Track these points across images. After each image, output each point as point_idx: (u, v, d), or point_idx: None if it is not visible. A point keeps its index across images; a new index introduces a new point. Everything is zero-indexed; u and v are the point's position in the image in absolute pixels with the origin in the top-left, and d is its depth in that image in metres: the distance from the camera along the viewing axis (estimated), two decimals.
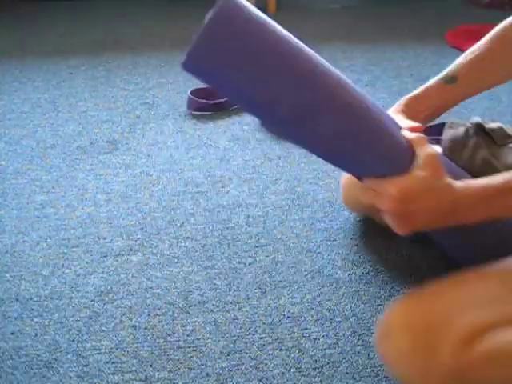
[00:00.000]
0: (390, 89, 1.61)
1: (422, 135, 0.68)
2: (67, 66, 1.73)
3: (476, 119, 0.90)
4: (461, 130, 0.89)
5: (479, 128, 0.88)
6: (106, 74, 1.69)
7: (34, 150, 1.28)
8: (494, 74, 0.84)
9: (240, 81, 0.63)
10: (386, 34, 2.06)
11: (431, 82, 0.84)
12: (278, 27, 0.64)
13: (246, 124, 1.38)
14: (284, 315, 0.85)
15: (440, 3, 2.42)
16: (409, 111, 0.80)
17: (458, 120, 0.92)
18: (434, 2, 2.44)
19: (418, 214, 0.65)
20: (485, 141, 0.86)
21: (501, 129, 0.87)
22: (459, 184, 0.66)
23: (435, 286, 0.66)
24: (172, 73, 1.70)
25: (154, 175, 1.19)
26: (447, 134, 0.90)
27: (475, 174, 0.78)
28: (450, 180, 0.65)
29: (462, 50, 2.11)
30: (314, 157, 1.33)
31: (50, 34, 1.99)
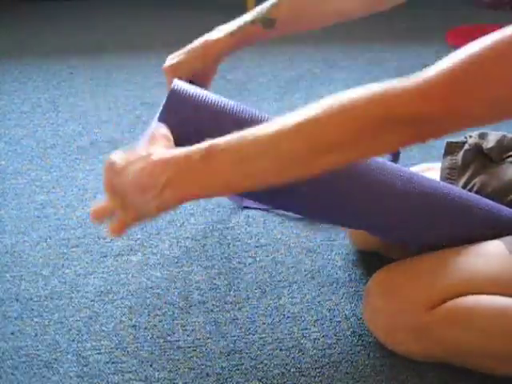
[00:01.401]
0: None
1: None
2: (67, 65, 1.73)
3: (474, 138, 0.88)
4: (459, 157, 0.88)
5: (478, 150, 0.87)
6: (106, 73, 1.69)
7: (33, 150, 1.28)
8: (315, 14, 0.83)
9: None
10: (386, 34, 2.06)
11: (247, 21, 0.81)
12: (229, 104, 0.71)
13: None
14: (284, 315, 0.85)
15: (440, 3, 2.42)
16: (205, 52, 0.80)
17: (455, 138, 0.91)
18: (434, 2, 2.44)
19: (124, 195, 0.59)
20: (483, 164, 0.85)
21: (500, 141, 0.86)
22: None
23: (410, 259, 0.76)
24: None
25: None
26: (445, 162, 0.89)
27: None
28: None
29: None
30: None
31: (49, 34, 1.99)
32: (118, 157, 0.60)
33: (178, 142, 0.67)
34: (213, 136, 0.60)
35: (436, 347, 0.71)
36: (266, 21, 0.80)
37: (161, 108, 0.70)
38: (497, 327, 0.67)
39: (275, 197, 0.73)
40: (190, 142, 0.61)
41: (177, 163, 0.57)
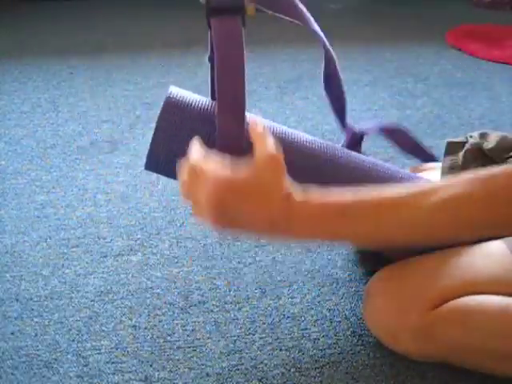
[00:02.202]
0: (390, 89, 1.61)
1: (264, 132, 0.61)
2: (67, 65, 1.73)
3: (475, 138, 0.88)
4: (459, 157, 0.88)
5: (479, 150, 0.87)
6: (106, 74, 1.69)
7: (33, 150, 1.28)
8: None
9: None
10: (386, 34, 2.06)
11: None
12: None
13: None
14: (284, 315, 0.85)
15: (440, 3, 2.43)
16: None
17: (456, 138, 0.91)
18: (434, 2, 2.44)
19: (238, 214, 0.59)
20: (484, 164, 0.85)
21: (501, 142, 0.86)
22: (300, 194, 0.59)
23: (411, 259, 0.76)
24: (172, 73, 1.70)
25: (154, 175, 1.19)
26: (446, 162, 0.89)
27: None
28: (289, 188, 0.59)
29: (462, 50, 2.11)
30: None
31: (49, 34, 1.99)
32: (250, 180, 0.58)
33: (179, 147, 0.68)
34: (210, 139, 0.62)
35: (436, 347, 0.71)
36: None
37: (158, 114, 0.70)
38: (498, 327, 0.67)
39: None
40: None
41: (313, 215, 0.59)
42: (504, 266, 0.69)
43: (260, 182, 0.58)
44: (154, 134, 0.69)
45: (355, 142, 0.89)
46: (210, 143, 0.65)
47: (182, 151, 0.68)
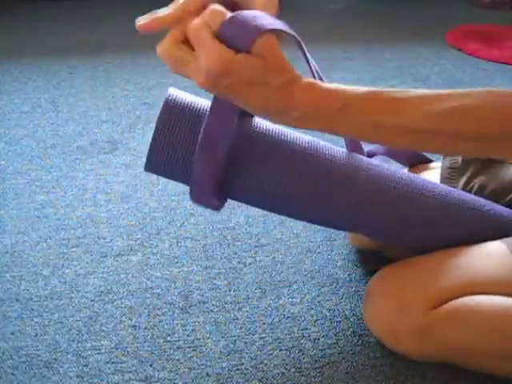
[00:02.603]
0: (389, 89, 1.60)
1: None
2: (67, 65, 1.73)
3: None
4: (459, 156, 0.88)
5: None
6: (106, 74, 1.69)
7: (33, 150, 1.28)
8: None
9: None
10: (386, 34, 2.06)
11: None
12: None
13: None
14: (284, 315, 0.85)
15: (440, 3, 2.42)
16: None
17: None
18: (434, 2, 2.44)
19: (237, 86, 0.56)
20: (483, 164, 0.85)
21: None
22: (304, 80, 0.58)
23: (411, 258, 0.76)
24: (172, 73, 1.70)
25: (154, 175, 1.19)
26: (445, 162, 0.89)
27: None
28: (293, 71, 0.58)
29: (462, 50, 2.11)
30: None
31: (49, 34, 1.99)
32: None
33: (181, 150, 0.68)
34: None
35: (436, 347, 0.71)
36: None
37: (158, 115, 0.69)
38: (498, 328, 0.67)
39: (271, 201, 0.73)
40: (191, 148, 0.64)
41: (312, 102, 0.57)
42: (504, 266, 0.69)
43: (263, 64, 0.55)
44: (154, 135, 0.68)
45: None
46: None
47: (182, 153, 0.68)
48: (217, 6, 0.54)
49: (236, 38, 0.54)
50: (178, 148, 0.68)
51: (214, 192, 0.68)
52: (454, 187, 0.84)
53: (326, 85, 0.58)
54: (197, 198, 0.69)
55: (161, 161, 0.70)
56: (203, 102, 0.71)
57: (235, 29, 0.54)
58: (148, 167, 0.71)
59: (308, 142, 0.73)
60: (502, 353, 0.69)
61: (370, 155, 0.90)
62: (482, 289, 0.69)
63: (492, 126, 0.58)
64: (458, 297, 0.69)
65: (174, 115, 0.69)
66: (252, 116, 0.72)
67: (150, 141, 0.69)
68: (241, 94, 0.56)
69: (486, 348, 0.69)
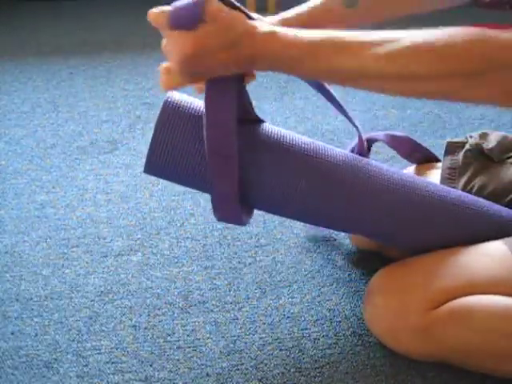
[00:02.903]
0: None
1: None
2: (67, 66, 1.73)
3: (475, 138, 0.88)
4: (459, 157, 0.88)
5: (478, 150, 0.87)
6: (106, 74, 1.69)
7: (33, 149, 1.28)
8: (392, 3, 0.82)
9: (197, 177, 0.70)
10: None
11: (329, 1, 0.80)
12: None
13: None
14: (284, 315, 0.85)
15: None
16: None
17: (456, 138, 0.91)
18: None
19: (204, 59, 0.62)
20: (483, 164, 0.85)
21: (501, 142, 0.86)
22: (266, 27, 0.61)
23: (411, 258, 0.76)
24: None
25: None
26: (446, 162, 0.89)
27: None
28: (252, 22, 0.62)
29: None
30: None
31: (49, 34, 1.99)
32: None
33: (179, 154, 0.68)
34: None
35: (437, 347, 0.71)
36: (349, 0, 0.78)
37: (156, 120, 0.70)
38: (498, 327, 0.67)
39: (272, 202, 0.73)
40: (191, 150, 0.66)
41: (274, 51, 0.61)
42: (504, 266, 0.69)
43: (218, 26, 0.61)
44: (153, 137, 0.68)
45: (366, 148, 0.89)
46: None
47: (181, 154, 0.68)
48: (155, 10, 0.64)
49: (186, 19, 0.60)
50: (177, 149, 0.68)
51: (234, 199, 0.68)
52: (454, 187, 0.84)
53: (283, 32, 0.61)
54: (219, 209, 0.70)
55: (160, 162, 0.69)
56: (202, 103, 0.71)
57: (181, 14, 0.61)
58: (147, 169, 0.71)
59: (308, 144, 0.73)
60: (502, 353, 0.69)
61: (372, 141, 0.90)
62: (481, 289, 0.69)
63: (450, 63, 0.57)
64: (457, 297, 0.69)
65: (173, 116, 0.69)
66: (258, 122, 0.72)
67: (150, 142, 0.69)
68: (213, 63, 0.62)
69: (485, 348, 0.69)
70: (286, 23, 0.73)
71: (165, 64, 0.70)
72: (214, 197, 0.68)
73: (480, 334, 0.68)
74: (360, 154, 0.83)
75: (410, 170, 0.95)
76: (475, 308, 0.68)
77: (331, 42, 0.60)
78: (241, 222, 0.72)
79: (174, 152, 0.68)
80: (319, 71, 0.62)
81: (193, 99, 0.71)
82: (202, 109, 0.70)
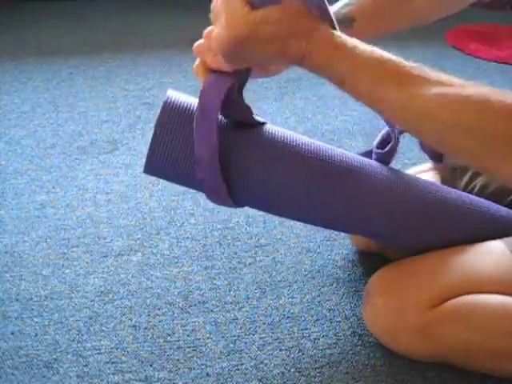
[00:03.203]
0: None
1: None
2: (67, 66, 1.73)
3: None
4: None
5: None
6: (106, 74, 1.69)
7: (33, 149, 1.28)
8: (390, 19, 0.80)
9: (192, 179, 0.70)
10: (386, 34, 2.06)
11: None
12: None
13: None
14: (284, 315, 0.85)
15: None
16: None
17: None
18: None
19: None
20: None
21: None
22: (328, 31, 0.60)
23: (410, 258, 0.77)
24: (172, 73, 1.70)
25: None
26: (447, 162, 0.89)
27: None
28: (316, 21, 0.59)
29: (462, 50, 2.10)
30: None
31: (49, 34, 1.99)
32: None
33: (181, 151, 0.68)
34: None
35: (436, 347, 0.71)
36: (345, 18, 0.77)
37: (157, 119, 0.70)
38: (497, 326, 0.67)
39: (272, 200, 0.73)
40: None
41: (322, 39, 0.59)
42: (503, 265, 0.69)
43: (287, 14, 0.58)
44: (153, 137, 0.68)
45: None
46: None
47: (181, 155, 0.68)
48: None
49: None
50: (177, 149, 0.68)
51: (221, 182, 0.68)
52: (456, 187, 0.84)
53: (339, 39, 0.59)
54: (209, 191, 0.70)
55: (160, 163, 0.70)
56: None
57: None
58: (147, 169, 0.71)
59: (305, 143, 0.73)
60: (502, 352, 0.69)
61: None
62: (480, 288, 0.69)
63: (489, 122, 0.55)
64: (457, 296, 0.69)
65: (173, 117, 0.68)
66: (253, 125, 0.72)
67: (150, 142, 0.69)
68: (263, 52, 0.59)
69: (485, 347, 0.69)
70: None
71: (210, 28, 0.63)
72: (198, 165, 0.68)
73: (479, 333, 0.68)
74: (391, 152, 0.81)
75: (412, 170, 0.95)
76: (474, 307, 0.68)
77: (396, 72, 0.58)
78: (229, 203, 0.71)
79: (174, 152, 0.68)
80: (370, 98, 0.60)
81: (193, 99, 0.71)
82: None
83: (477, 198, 0.78)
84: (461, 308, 0.69)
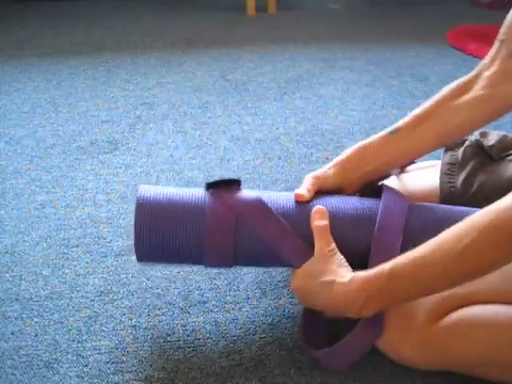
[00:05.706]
0: (389, 89, 1.61)
1: (322, 224, 0.72)
2: (67, 66, 1.74)
3: (475, 136, 0.88)
4: (459, 152, 0.88)
5: (478, 147, 0.87)
6: (106, 74, 1.69)
7: (33, 149, 1.29)
8: (431, 133, 0.82)
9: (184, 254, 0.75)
10: (386, 34, 2.06)
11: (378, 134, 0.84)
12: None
13: (245, 124, 1.38)
14: (284, 315, 0.85)
15: (440, 3, 2.43)
16: (350, 165, 0.81)
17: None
18: (434, 2, 2.44)
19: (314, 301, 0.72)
20: (483, 161, 0.85)
21: (501, 140, 0.86)
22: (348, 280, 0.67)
23: None
24: (172, 73, 1.70)
25: (153, 175, 1.19)
26: (446, 157, 0.88)
27: (470, 199, 0.82)
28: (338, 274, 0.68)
29: (462, 50, 2.10)
30: (314, 157, 1.33)
31: (49, 34, 1.99)
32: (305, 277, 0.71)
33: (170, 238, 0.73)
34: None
35: (441, 358, 0.69)
36: (392, 129, 0.82)
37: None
38: (502, 337, 0.65)
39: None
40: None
41: (367, 289, 0.66)
42: (503, 275, 0.68)
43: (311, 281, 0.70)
44: (134, 231, 0.73)
45: None
46: (192, 230, 0.73)
47: (166, 244, 0.73)
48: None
49: None
50: (161, 241, 0.73)
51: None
52: (454, 182, 0.84)
53: (362, 274, 0.67)
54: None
55: (149, 254, 0.75)
56: (175, 191, 0.75)
57: None
58: (139, 260, 0.76)
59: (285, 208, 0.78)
60: (508, 362, 0.67)
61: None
62: (481, 298, 0.67)
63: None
64: (458, 307, 0.68)
65: (148, 215, 0.73)
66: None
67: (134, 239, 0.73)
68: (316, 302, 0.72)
69: (491, 358, 0.67)
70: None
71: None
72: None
73: (484, 344, 0.66)
74: None
75: (413, 166, 0.94)
76: (476, 318, 0.66)
77: (415, 267, 0.64)
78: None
79: (159, 244, 0.73)
80: (407, 290, 0.66)
81: (165, 188, 0.76)
82: (175, 196, 0.74)
83: (474, 210, 0.78)
84: (465, 320, 0.67)
